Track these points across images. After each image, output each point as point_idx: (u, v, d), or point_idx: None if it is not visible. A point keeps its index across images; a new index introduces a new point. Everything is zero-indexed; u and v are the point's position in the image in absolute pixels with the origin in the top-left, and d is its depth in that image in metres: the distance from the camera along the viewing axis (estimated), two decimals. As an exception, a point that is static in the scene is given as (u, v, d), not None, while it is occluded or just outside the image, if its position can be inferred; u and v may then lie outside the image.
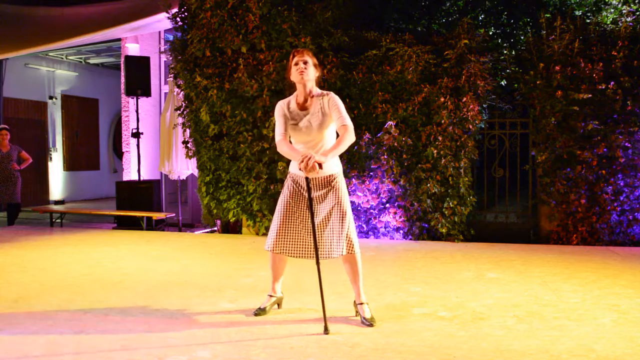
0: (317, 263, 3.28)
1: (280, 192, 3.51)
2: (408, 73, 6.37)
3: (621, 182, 6.22)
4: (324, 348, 2.94)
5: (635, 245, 6.18)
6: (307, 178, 3.23)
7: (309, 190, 3.26)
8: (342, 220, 3.30)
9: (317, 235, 3.30)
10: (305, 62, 3.27)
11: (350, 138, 3.23)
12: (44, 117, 12.03)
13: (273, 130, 6.58)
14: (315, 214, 3.33)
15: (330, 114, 3.30)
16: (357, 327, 3.29)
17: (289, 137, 3.40)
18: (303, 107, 3.35)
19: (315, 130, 3.31)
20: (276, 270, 3.56)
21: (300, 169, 3.14)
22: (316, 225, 3.31)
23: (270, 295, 3.59)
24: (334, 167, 3.36)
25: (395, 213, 6.54)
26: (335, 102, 3.30)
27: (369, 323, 3.29)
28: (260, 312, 3.51)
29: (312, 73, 3.30)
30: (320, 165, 3.11)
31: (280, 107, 3.41)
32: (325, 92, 3.38)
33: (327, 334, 3.14)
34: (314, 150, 3.28)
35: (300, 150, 3.31)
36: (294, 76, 3.31)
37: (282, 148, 3.31)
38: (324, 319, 3.19)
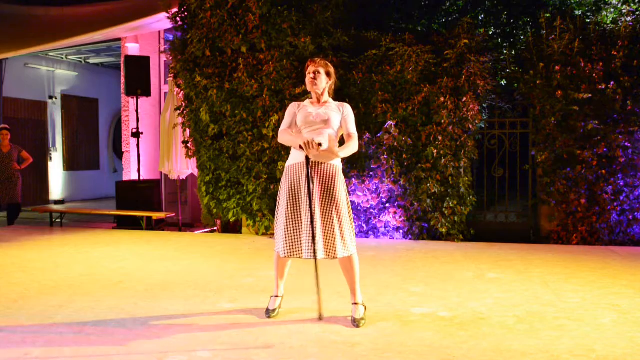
0: (315, 254, 3.26)
1: (279, 192, 3.52)
2: (408, 73, 6.37)
3: (621, 182, 6.22)
4: (324, 348, 2.94)
5: (635, 245, 6.18)
6: (307, 157, 3.28)
7: (307, 168, 3.29)
8: (340, 221, 3.32)
9: (320, 232, 3.31)
10: (316, 72, 3.46)
11: (354, 146, 3.41)
12: (44, 117, 12.02)
13: (273, 130, 6.59)
14: (314, 203, 3.32)
15: (341, 117, 3.46)
16: (357, 327, 3.29)
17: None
18: (317, 104, 3.52)
19: (322, 121, 3.39)
20: (282, 270, 3.58)
21: (301, 148, 3.25)
22: (319, 223, 3.31)
23: (276, 296, 3.60)
24: (334, 160, 3.41)
25: (395, 213, 6.54)
26: (350, 112, 3.51)
27: (355, 323, 3.31)
28: (272, 313, 3.52)
29: (322, 82, 3.48)
30: (320, 145, 3.25)
31: (291, 106, 3.58)
32: (341, 103, 3.59)
33: (320, 319, 3.24)
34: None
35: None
36: (307, 84, 3.53)
37: (283, 137, 3.47)
38: (318, 305, 3.26)
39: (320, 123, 3.37)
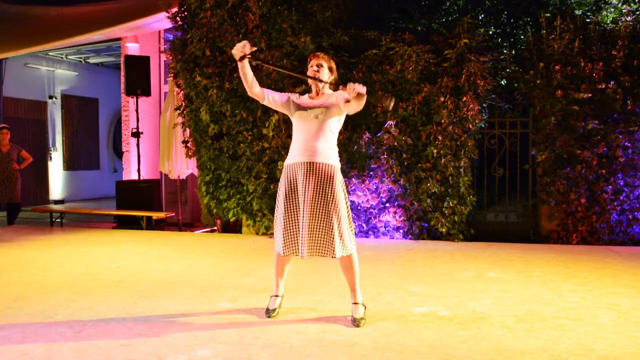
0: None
1: (277, 191, 3.52)
2: (408, 72, 6.37)
3: (621, 182, 6.22)
4: (324, 348, 2.94)
5: (635, 244, 6.18)
6: (248, 56, 3.25)
7: (248, 64, 3.28)
8: (339, 221, 3.31)
9: (318, 231, 3.32)
10: (319, 65, 3.46)
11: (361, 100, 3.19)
12: (43, 116, 12.02)
13: (273, 130, 6.59)
14: (309, 204, 3.33)
15: (337, 105, 3.37)
16: (357, 326, 3.29)
17: (265, 93, 3.45)
18: (315, 97, 3.51)
19: (315, 117, 3.38)
20: (282, 270, 3.58)
21: (241, 60, 3.23)
22: (317, 222, 3.33)
23: (276, 296, 3.60)
24: (332, 159, 3.39)
25: (395, 212, 6.54)
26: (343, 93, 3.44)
27: (356, 323, 3.30)
28: (272, 313, 3.52)
29: (324, 75, 3.47)
30: (250, 45, 3.22)
31: (289, 93, 3.59)
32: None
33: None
34: (312, 139, 3.36)
35: (299, 139, 3.40)
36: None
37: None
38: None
39: (314, 118, 3.37)
